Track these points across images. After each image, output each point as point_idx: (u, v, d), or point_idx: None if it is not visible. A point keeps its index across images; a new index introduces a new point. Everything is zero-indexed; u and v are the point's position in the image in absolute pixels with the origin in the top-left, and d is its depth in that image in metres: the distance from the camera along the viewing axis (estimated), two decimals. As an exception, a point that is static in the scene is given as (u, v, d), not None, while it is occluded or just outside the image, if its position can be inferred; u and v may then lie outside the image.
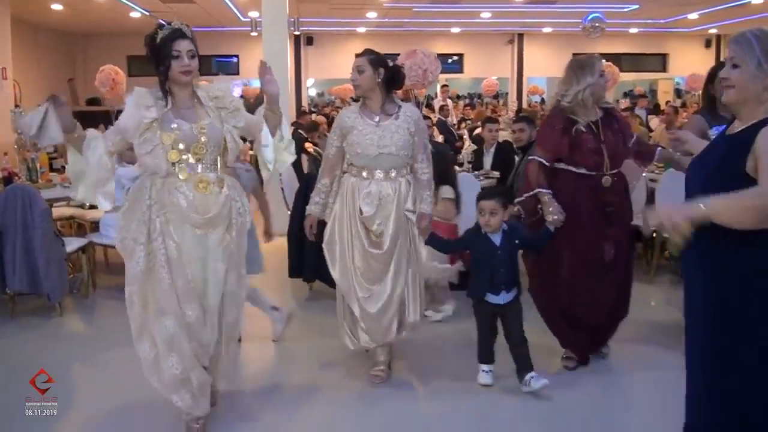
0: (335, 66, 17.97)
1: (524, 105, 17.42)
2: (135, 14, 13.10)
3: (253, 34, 13.62)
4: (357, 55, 3.71)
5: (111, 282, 5.68)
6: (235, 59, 17.76)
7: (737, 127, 2.27)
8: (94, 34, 16.37)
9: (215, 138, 3.03)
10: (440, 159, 4.43)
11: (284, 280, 5.42)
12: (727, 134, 2.32)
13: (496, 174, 5.97)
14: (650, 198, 5.64)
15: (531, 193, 3.76)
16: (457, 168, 6.29)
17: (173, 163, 2.96)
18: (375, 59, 3.65)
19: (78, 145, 2.94)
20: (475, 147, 7.21)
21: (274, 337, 4.36)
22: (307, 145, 7.68)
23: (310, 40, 17.98)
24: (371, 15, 14.68)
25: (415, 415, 3.50)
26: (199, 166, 3.00)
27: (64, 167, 6.23)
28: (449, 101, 14.78)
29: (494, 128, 6.67)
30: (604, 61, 3.98)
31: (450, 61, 18.53)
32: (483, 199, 3.63)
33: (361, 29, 17.46)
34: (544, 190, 3.70)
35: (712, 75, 4.10)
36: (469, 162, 6.23)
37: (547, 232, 3.68)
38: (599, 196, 3.70)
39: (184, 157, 2.97)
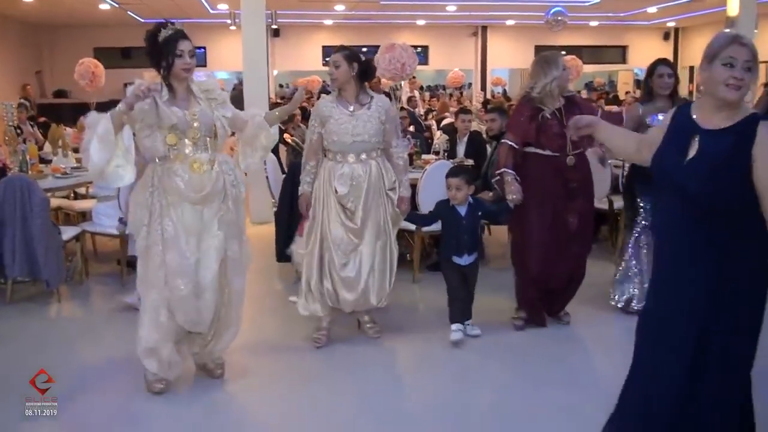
0: (301, 57, 18.18)
1: (488, 96, 17.80)
2: (104, 6, 13.12)
3: (232, 27, 13.76)
4: (333, 52, 4.08)
5: (102, 270, 5.87)
6: (201, 51, 17.79)
7: (724, 121, 2.38)
8: (60, 26, 16.27)
9: (206, 123, 3.42)
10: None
11: (272, 265, 5.68)
12: (714, 129, 2.39)
13: (470, 161, 6.27)
14: (615, 183, 6.03)
15: (498, 172, 4.22)
16: (433, 156, 6.60)
17: (170, 147, 3.34)
18: (349, 55, 4.03)
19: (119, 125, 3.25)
20: (447, 137, 7.53)
21: None
22: (286, 135, 7.90)
23: (276, 32, 18.10)
24: (339, 8, 14.88)
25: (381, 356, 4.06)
26: (192, 148, 3.37)
27: (50, 160, 6.40)
28: (416, 93, 15.07)
29: (467, 119, 6.97)
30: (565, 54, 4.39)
31: (414, 52, 18.77)
32: (450, 176, 4.21)
33: (328, 22, 17.67)
34: (508, 171, 4.15)
35: (651, 70, 4.58)
36: (444, 151, 6.53)
37: (507, 207, 4.21)
38: (563, 173, 4.17)
39: (181, 141, 3.35)
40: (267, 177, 6.04)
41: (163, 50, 3.33)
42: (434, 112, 13.42)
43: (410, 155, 6.27)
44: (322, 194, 4.08)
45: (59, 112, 12.40)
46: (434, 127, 10.94)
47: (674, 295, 2.49)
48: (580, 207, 4.25)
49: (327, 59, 4.16)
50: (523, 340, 4.31)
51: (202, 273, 3.41)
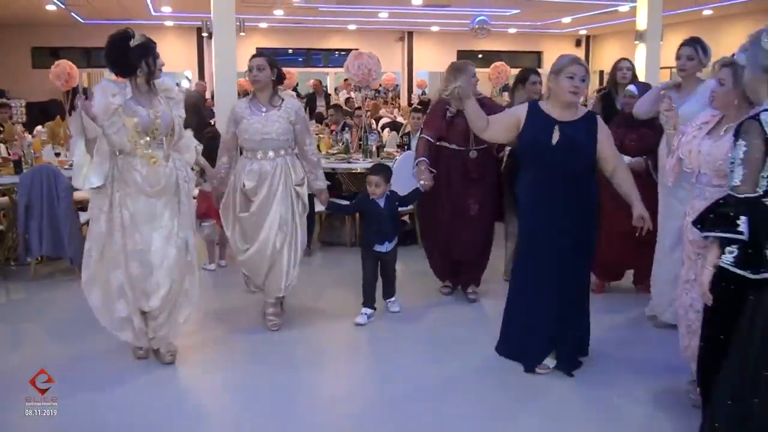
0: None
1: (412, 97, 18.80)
2: (51, 7, 13.29)
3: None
4: (254, 55, 4.43)
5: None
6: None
7: (572, 116, 3.60)
8: (-1, 25, 16.25)
9: (166, 122, 3.82)
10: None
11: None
12: (569, 120, 3.58)
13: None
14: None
15: (416, 161, 4.83)
16: (395, 149, 7.52)
17: (133, 143, 3.71)
18: (271, 60, 4.44)
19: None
20: (396, 134, 8.58)
21: None
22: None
23: (211, 35, 18.46)
24: (278, 12, 15.52)
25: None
26: (152, 144, 3.77)
27: (58, 153, 6.94)
28: (353, 94, 15.90)
29: (418, 117, 7.95)
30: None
31: (340, 55, 19.54)
32: (371, 174, 4.75)
33: (263, 25, 18.25)
34: (424, 159, 4.77)
35: (525, 78, 5.37)
36: (405, 144, 7.47)
37: (417, 191, 4.76)
38: (466, 165, 4.86)
39: (142, 137, 3.72)
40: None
41: (138, 54, 3.68)
42: (368, 113, 14.26)
43: (377, 148, 7.21)
44: (233, 186, 4.50)
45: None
46: (374, 126, 11.79)
47: (548, 230, 3.62)
48: (479, 195, 4.90)
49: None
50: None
51: (153, 255, 3.78)
